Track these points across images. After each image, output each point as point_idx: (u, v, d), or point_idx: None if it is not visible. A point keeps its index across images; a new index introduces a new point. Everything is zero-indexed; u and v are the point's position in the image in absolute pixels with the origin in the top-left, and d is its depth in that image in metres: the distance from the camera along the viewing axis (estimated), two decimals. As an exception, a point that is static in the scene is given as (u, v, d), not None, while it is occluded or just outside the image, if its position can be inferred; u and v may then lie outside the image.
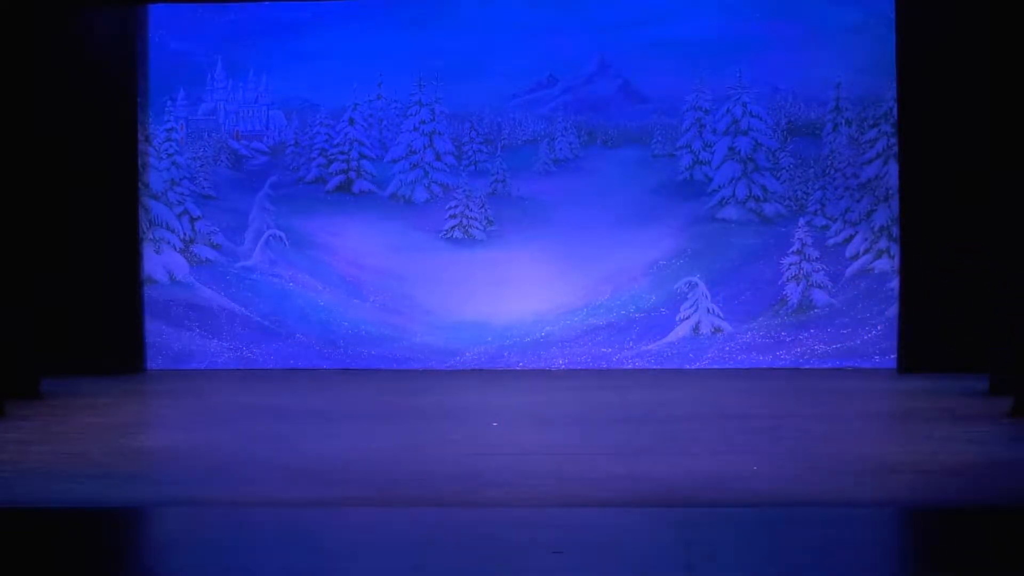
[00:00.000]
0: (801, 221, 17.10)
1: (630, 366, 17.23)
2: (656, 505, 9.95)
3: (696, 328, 17.22)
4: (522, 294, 17.26)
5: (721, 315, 17.18)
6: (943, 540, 8.98)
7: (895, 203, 16.79)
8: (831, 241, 17.08)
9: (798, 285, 17.05)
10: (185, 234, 17.52)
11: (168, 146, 17.49)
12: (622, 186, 17.23)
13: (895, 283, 16.75)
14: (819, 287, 17.05)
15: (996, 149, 15.80)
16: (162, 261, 17.51)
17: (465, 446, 12.21)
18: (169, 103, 17.47)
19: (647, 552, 8.72)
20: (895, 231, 16.85)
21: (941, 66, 16.08)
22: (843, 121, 16.99)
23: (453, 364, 17.36)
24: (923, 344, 16.11)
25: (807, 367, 16.98)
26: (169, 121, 17.47)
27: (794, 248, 17.08)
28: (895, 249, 16.84)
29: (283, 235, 17.50)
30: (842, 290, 17.05)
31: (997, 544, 8.73)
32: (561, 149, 17.33)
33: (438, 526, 9.36)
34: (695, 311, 17.22)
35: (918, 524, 9.58)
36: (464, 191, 17.41)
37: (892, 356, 16.63)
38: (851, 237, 17.05)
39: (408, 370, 17.23)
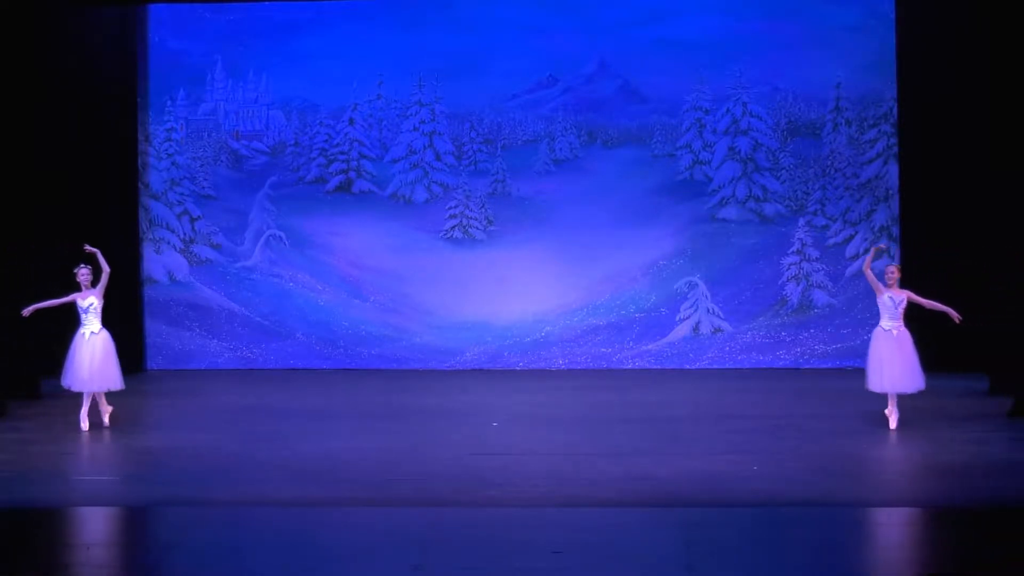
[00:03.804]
0: (801, 221, 17.11)
1: (630, 366, 17.23)
2: (656, 505, 9.96)
3: (696, 328, 17.22)
4: (522, 294, 17.26)
5: (721, 315, 17.18)
6: (943, 540, 8.98)
7: (895, 203, 16.80)
8: (831, 241, 17.08)
9: (798, 285, 17.05)
10: (185, 234, 17.52)
11: (168, 146, 17.49)
12: (622, 186, 17.23)
13: (895, 283, 16.75)
14: (819, 287, 17.05)
15: (996, 149, 15.82)
16: (162, 261, 17.52)
17: (465, 446, 12.21)
18: (169, 103, 17.47)
19: (647, 552, 8.73)
20: (895, 231, 16.85)
21: (941, 66, 16.08)
22: (843, 121, 17.00)
23: (453, 364, 17.35)
24: (923, 344, 16.07)
25: (807, 367, 16.99)
26: (169, 121, 17.48)
27: (794, 248, 17.08)
28: (895, 249, 16.84)
29: (283, 235, 17.50)
30: (842, 290, 17.05)
31: (997, 544, 8.73)
32: (561, 149, 17.34)
33: (438, 526, 9.37)
34: (695, 311, 17.22)
35: (918, 524, 9.58)
36: (464, 191, 17.41)
37: (892, 356, 16.62)
38: (851, 237, 17.05)
39: (408, 370, 17.23)
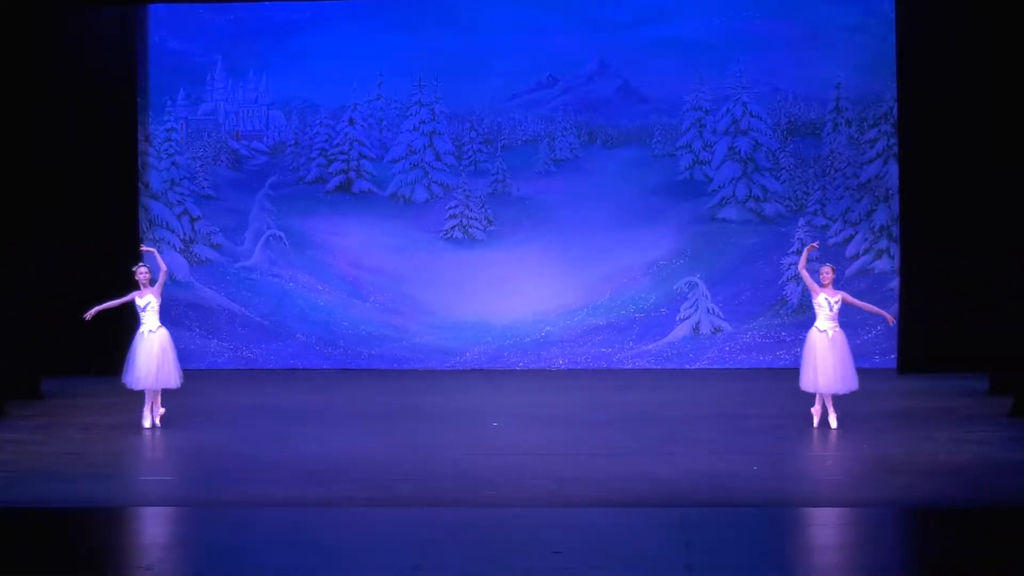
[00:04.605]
0: (801, 221, 17.11)
1: (630, 366, 17.23)
2: (656, 505, 9.96)
3: (696, 328, 17.22)
4: (522, 294, 17.27)
5: (721, 315, 17.18)
6: (943, 540, 8.98)
7: (895, 203, 16.80)
8: (831, 241, 17.08)
9: (798, 285, 17.05)
10: (185, 234, 17.52)
11: (168, 146, 17.49)
12: (622, 186, 17.23)
13: (895, 283, 16.76)
14: (819, 287, 17.04)
15: (996, 149, 15.82)
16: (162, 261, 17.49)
17: (465, 446, 12.21)
18: (169, 103, 17.48)
19: (647, 552, 8.72)
20: (895, 231, 16.86)
21: (941, 66, 16.08)
22: (843, 121, 17.00)
23: (453, 364, 17.36)
24: (923, 344, 16.12)
25: (807, 367, 16.95)
26: (169, 121, 17.48)
27: (794, 248, 17.08)
28: (895, 249, 16.84)
29: (283, 235, 17.50)
30: (842, 290, 16.99)
31: (997, 544, 8.73)
32: (561, 149, 17.34)
33: (438, 526, 9.37)
34: (695, 311, 17.22)
35: (918, 524, 9.58)
36: (464, 191, 17.41)
37: (892, 356, 16.64)
38: (851, 237, 17.05)
39: (408, 370, 17.23)
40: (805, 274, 13.05)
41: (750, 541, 9.09)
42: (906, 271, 16.52)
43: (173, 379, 13.40)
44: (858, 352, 16.84)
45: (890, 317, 13.27)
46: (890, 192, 16.88)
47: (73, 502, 10.13)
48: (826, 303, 12.91)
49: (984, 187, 15.87)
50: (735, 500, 10.03)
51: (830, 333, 12.90)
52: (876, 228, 17.01)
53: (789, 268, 17.09)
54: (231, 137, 17.52)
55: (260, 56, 17.45)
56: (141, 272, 13.42)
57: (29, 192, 16.55)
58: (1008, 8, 15.48)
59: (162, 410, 13.39)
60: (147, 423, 13.21)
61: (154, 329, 13.35)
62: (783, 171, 17.15)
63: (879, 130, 16.94)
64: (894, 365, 16.58)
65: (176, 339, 17.36)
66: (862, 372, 16.60)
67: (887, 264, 16.97)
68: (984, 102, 15.85)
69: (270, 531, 9.36)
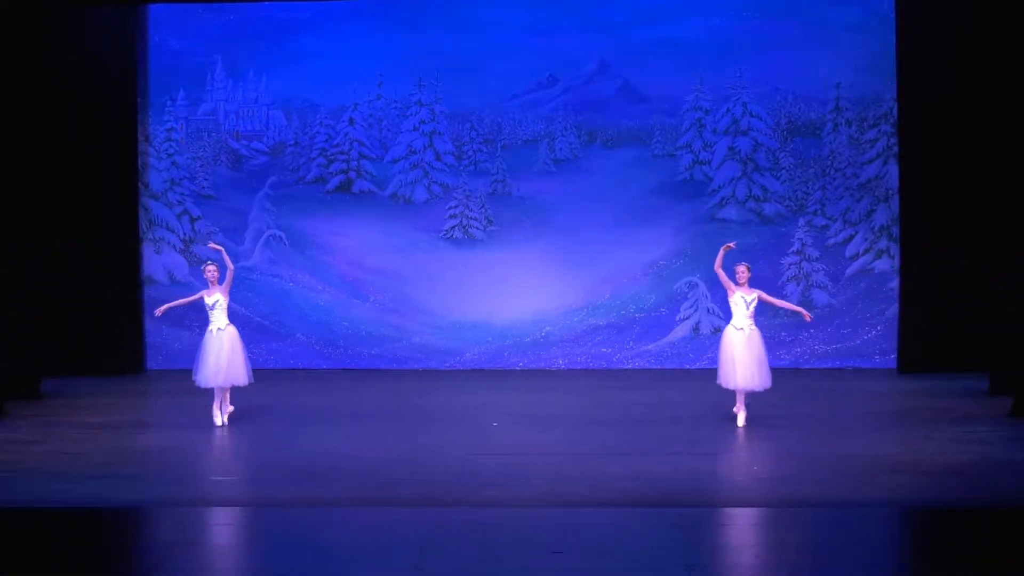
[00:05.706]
0: (801, 221, 17.11)
1: (630, 366, 17.23)
2: (656, 505, 9.96)
3: (696, 328, 17.23)
4: (522, 294, 17.27)
5: (721, 315, 17.16)
6: (943, 540, 8.98)
7: (895, 203, 16.80)
8: (831, 241, 17.09)
9: (798, 285, 17.06)
10: (185, 234, 17.52)
11: (168, 146, 17.49)
12: (622, 186, 17.23)
13: (895, 283, 16.76)
14: (819, 287, 17.05)
15: (996, 149, 15.81)
16: (162, 261, 17.51)
17: (465, 446, 12.21)
18: (169, 103, 17.48)
19: (647, 552, 8.72)
20: (895, 231, 16.86)
21: (941, 66, 16.08)
22: (843, 121, 17.00)
23: (453, 364, 17.36)
24: (923, 344, 16.11)
25: (807, 367, 16.98)
26: (169, 121, 17.48)
27: (794, 248, 17.09)
28: (895, 249, 16.85)
29: (283, 235, 17.50)
30: (842, 290, 17.05)
31: (997, 544, 8.73)
32: (561, 149, 17.34)
33: (437, 526, 9.36)
34: (695, 311, 17.22)
35: (918, 524, 9.58)
36: (464, 191, 17.42)
37: (892, 356, 16.64)
38: (851, 237, 17.06)
39: (408, 370, 17.23)
40: (721, 273, 13.07)
41: (750, 541, 9.09)
42: (906, 271, 16.52)
43: (242, 377, 13.39)
44: (858, 352, 16.95)
45: (807, 314, 13.40)
46: (890, 192, 16.89)
47: (73, 502, 10.13)
48: (742, 301, 12.96)
49: (984, 187, 15.86)
50: (735, 500, 10.03)
51: (746, 331, 12.96)
52: (876, 228, 17.01)
53: (788, 268, 17.09)
54: (231, 137, 17.52)
55: (260, 56, 17.46)
56: (209, 270, 13.46)
57: (29, 192, 16.53)
58: (1008, 8, 15.47)
59: (231, 408, 13.40)
60: (217, 421, 13.24)
61: (223, 327, 13.40)
62: (783, 171, 17.16)
63: (879, 130, 16.94)
64: (894, 365, 16.58)
65: (176, 339, 17.48)
66: (862, 372, 16.73)
67: (887, 264, 16.97)
68: (984, 102, 15.84)
69: (270, 531, 9.36)
